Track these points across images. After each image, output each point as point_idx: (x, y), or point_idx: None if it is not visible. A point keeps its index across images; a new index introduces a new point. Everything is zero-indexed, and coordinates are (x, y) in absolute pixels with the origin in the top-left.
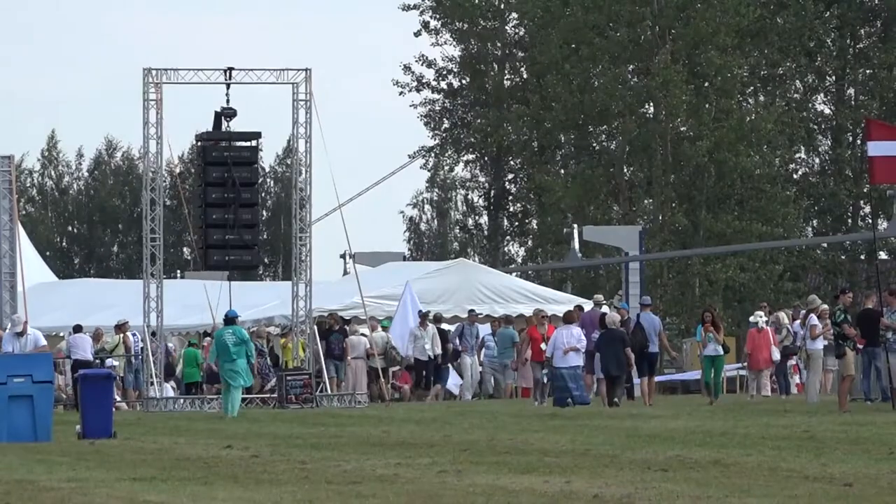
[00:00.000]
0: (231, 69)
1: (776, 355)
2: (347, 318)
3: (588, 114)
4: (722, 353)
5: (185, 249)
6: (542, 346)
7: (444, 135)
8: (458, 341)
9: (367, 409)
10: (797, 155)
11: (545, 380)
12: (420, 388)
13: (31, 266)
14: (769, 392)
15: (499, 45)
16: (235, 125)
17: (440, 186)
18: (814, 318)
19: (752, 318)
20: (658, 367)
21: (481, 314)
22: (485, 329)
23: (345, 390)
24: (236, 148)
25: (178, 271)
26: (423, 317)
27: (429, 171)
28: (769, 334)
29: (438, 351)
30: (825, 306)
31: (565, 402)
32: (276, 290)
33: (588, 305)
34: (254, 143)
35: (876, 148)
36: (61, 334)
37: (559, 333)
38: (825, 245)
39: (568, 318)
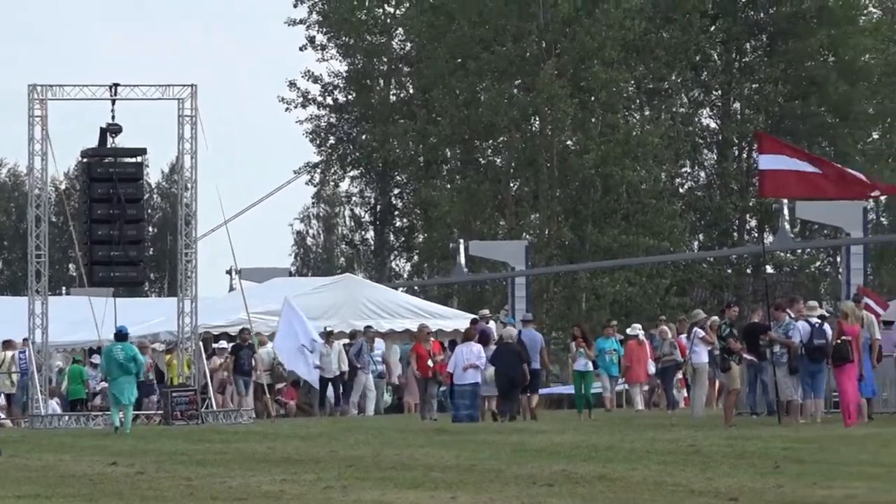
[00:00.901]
0: (116, 85)
1: (651, 369)
2: (233, 334)
3: (474, 128)
4: (591, 368)
5: (70, 266)
6: (429, 362)
7: (329, 150)
8: (355, 358)
9: (252, 426)
10: (683, 169)
11: (443, 396)
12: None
13: None
14: (642, 406)
15: (385, 60)
16: (121, 141)
17: (326, 202)
18: (700, 332)
19: (629, 331)
20: (542, 382)
21: (374, 329)
22: (380, 345)
23: (246, 406)
24: (121, 164)
25: (64, 288)
26: (329, 334)
27: (315, 186)
28: (647, 348)
29: (345, 368)
30: (715, 318)
31: (462, 419)
32: (161, 306)
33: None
34: (139, 159)
35: (766, 161)
36: None
37: (459, 350)
38: (711, 259)
39: (467, 335)
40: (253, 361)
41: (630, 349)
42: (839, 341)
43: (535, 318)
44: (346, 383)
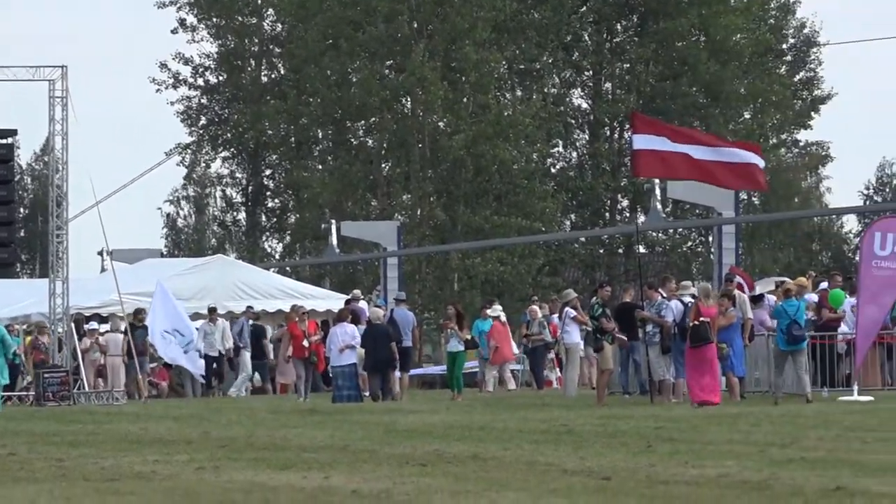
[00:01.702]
0: None
1: (515, 349)
2: (105, 315)
3: (345, 109)
4: (463, 348)
5: None
6: (304, 342)
7: (201, 131)
8: (237, 338)
9: (124, 406)
10: (555, 149)
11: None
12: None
13: None
14: (514, 385)
15: (256, 40)
16: None
17: (198, 183)
18: (571, 311)
19: (491, 312)
20: (415, 361)
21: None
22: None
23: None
24: None
25: None
26: (212, 311)
27: (186, 167)
28: (509, 328)
29: (229, 345)
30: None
31: (343, 400)
32: (33, 288)
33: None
34: (9, 140)
35: (640, 141)
36: None
37: (333, 332)
38: (584, 239)
39: (340, 316)
40: (145, 341)
41: (494, 330)
42: (697, 322)
43: (407, 299)
44: (232, 361)
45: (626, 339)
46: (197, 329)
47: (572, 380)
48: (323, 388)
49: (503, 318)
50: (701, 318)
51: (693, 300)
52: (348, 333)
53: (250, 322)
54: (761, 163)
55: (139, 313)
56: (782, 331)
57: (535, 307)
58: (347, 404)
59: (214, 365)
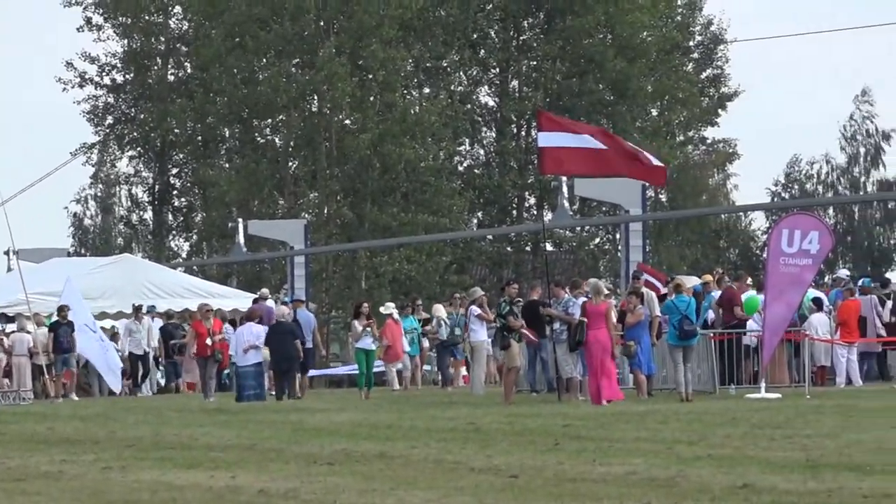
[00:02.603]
0: None
1: (407, 347)
2: (11, 315)
3: (252, 108)
4: (374, 347)
5: None
6: (208, 340)
7: (107, 130)
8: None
9: (31, 406)
10: (462, 147)
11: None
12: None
13: None
14: (398, 386)
15: (163, 39)
16: None
17: (104, 182)
18: (475, 309)
19: (383, 310)
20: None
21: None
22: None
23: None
24: None
25: None
26: (138, 310)
27: (93, 166)
28: (401, 326)
29: (155, 345)
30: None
31: (248, 399)
32: None
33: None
34: None
35: (546, 139)
36: None
37: (240, 331)
38: (491, 237)
39: (248, 316)
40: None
41: (388, 328)
42: (585, 320)
43: (314, 297)
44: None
45: (533, 335)
46: (117, 329)
47: (479, 378)
48: (228, 386)
49: (395, 315)
50: (580, 318)
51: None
52: (253, 333)
53: (132, 319)
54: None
55: (63, 310)
56: (674, 326)
57: (439, 305)
58: (254, 403)
59: (140, 363)
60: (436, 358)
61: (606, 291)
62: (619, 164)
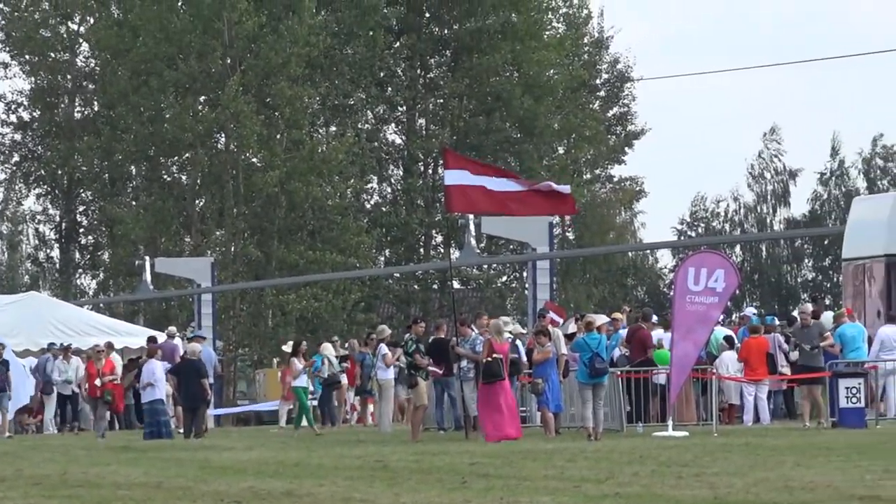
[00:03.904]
0: None
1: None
2: None
3: (159, 145)
4: (306, 384)
5: None
6: (97, 381)
7: (13, 168)
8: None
9: None
10: (369, 185)
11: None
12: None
13: None
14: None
15: (69, 77)
16: None
17: (10, 220)
18: (384, 348)
19: (284, 348)
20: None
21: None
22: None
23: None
24: None
25: None
26: (67, 349)
27: None
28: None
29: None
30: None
31: (153, 437)
32: None
33: (161, 337)
34: None
35: (452, 177)
36: None
37: (145, 369)
38: (398, 274)
39: (149, 353)
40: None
41: (293, 367)
42: (490, 359)
43: (221, 335)
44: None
45: (439, 370)
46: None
47: (387, 415)
48: (137, 424)
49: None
50: (494, 355)
51: (510, 335)
52: (150, 370)
53: (60, 359)
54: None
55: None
56: (585, 364)
57: (327, 344)
58: (162, 441)
59: (68, 403)
60: (319, 396)
61: (508, 332)
62: (526, 204)
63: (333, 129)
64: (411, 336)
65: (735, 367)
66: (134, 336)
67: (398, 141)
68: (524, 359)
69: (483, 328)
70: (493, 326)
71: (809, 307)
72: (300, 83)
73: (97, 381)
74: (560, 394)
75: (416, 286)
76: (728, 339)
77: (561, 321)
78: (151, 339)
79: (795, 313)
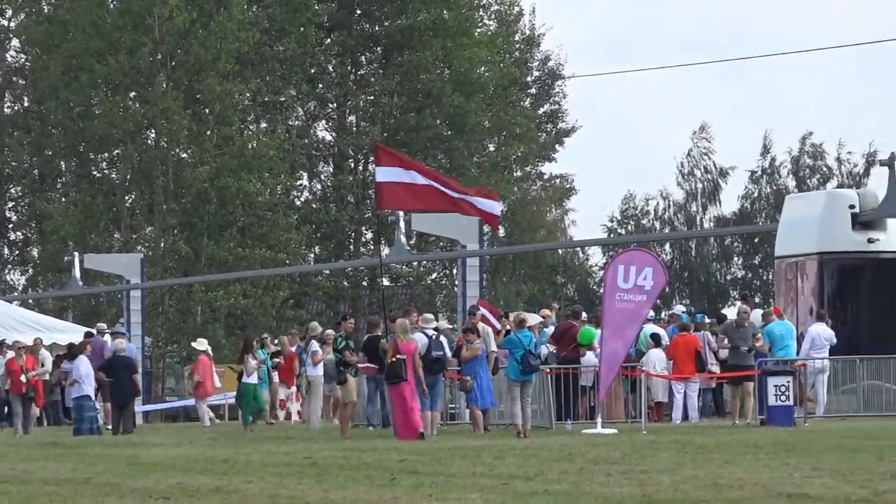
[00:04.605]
0: None
1: (218, 383)
2: None
3: (89, 141)
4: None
5: None
6: (22, 377)
7: None
8: None
9: None
10: (299, 181)
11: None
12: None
13: None
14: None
15: None
16: None
17: None
18: (315, 345)
19: (195, 345)
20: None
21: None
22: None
23: None
24: None
25: None
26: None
27: None
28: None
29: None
30: (330, 331)
31: (83, 433)
32: None
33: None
34: None
35: (383, 174)
36: None
37: (75, 365)
38: (328, 271)
39: (79, 349)
40: None
41: (200, 364)
42: (394, 360)
43: (150, 331)
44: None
45: (373, 367)
46: None
47: (316, 412)
48: (65, 421)
49: (209, 351)
50: (398, 356)
51: (436, 333)
52: (77, 367)
53: None
54: (497, 209)
55: None
56: (517, 361)
57: (286, 338)
58: (91, 437)
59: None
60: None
61: (432, 328)
62: (455, 203)
63: (264, 125)
64: (341, 333)
65: (661, 364)
66: (63, 332)
67: (328, 138)
68: (449, 354)
69: (413, 325)
70: (398, 326)
71: (747, 307)
72: (230, 79)
73: (22, 377)
74: (490, 391)
75: (345, 283)
76: (654, 336)
77: (494, 319)
78: (88, 335)
79: (726, 311)
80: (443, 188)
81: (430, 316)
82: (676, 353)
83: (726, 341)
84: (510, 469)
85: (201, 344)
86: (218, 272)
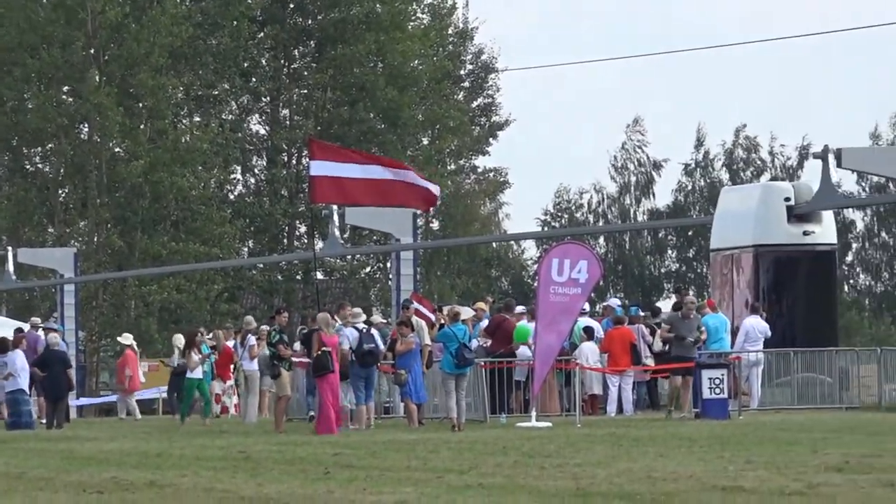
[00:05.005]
0: None
1: (143, 378)
2: None
3: (22, 135)
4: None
5: None
6: None
7: None
8: None
9: None
10: (233, 175)
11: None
12: None
13: None
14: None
15: None
16: None
17: None
18: (251, 339)
19: (122, 340)
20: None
21: None
22: None
23: None
24: None
25: None
26: None
27: None
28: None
29: None
30: (264, 326)
31: (17, 427)
32: None
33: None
34: None
35: (317, 167)
36: None
37: (7, 359)
38: (262, 265)
39: (15, 343)
40: None
41: (127, 358)
42: (320, 352)
43: (83, 325)
44: None
45: (307, 361)
46: None
47: (253, 406)
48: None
49: (135, 346)
50: (323, 348)
51: (367, 327)
52: (12, 361)
53: None
54: (436, 189)
55: None
56: (452, 354)
57: (179, 335)
58: (25, 431)
59: None
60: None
61: (337, 324)
62: (389, 196)
63: (197, 119)
64: (274, 327)
65: (594, 357)
66: None
67: (262, 131)
68: (381, 347)
69: (346, 319)
70: (320, 320)
71: (693, 298)
72: (164, 73)
73: None
74: (423, 385)
75: (279, 277)
76: (588, 329)
77: (429, 312)
78: (18, 331)
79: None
80: (382, 168)
81: (359, 310)
82: (612, 346)
83: (670, 332)
84: (444, 462)
85: (126, 338)
86: (151, 266)
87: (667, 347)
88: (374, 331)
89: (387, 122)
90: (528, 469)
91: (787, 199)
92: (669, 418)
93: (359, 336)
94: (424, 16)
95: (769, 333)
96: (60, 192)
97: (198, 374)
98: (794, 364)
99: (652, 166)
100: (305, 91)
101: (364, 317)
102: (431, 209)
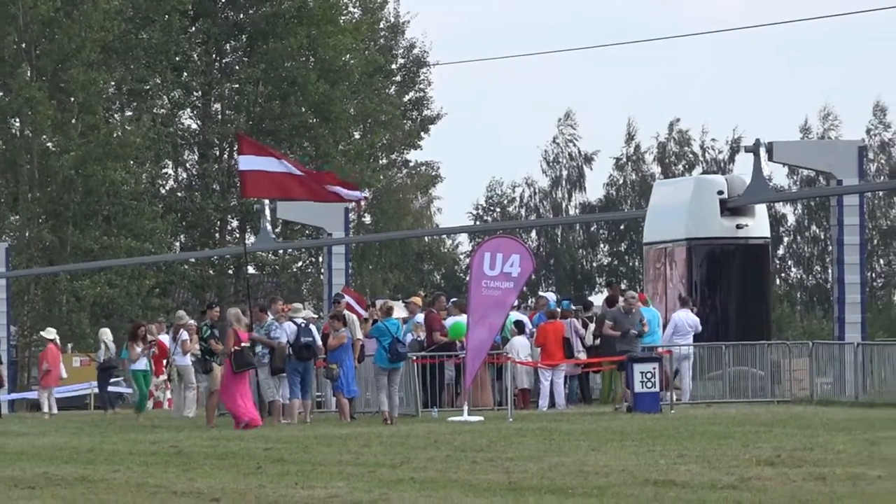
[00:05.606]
0: None
1: (64, 373)
2: None
3: None
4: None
5: None
6: None
7: None
8: None
9: None
10: (164, 170)
11: None
12: None
13: None
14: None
15: None
16: None
17: None
18: (184, 334)
19: (44, 334)
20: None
21: None
22: None
23: None
24: None
25: None
26: None
27: None
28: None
29: None
30: (192, 321)
31: None
32: None
33: None
34: None
35: (247, 162)
36: None
37: None
38: (193, 260)
39: None
40: None
41: (49, 352)
42: (238, 348)
43: (15, 320)
44: None
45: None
46: None
47: (189, 400)
48: None
49: (57, 340)
50: (242, 344)
51: (305, 321)
52: None
53: None
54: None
55: None
56: (385, 349)
57: (106, 329)
58: None
59: None
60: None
61: (301, 317)
62: (315, 192)
63: (129, 113)
64: (206, 322)
65: (525, 351)
66: None
67: (194, 126)
68: (319, 343)
69: (278, 313)
70: (232, 315)
71: (634, 293)
72: (95, 68)
73: None
74: (355, 379)
75: (211, 271)
76: (518, 323)
77: (360, 308)
78: None
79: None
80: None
81: (299, 305)
82: (546, 340)
83: (614, 329)
84: (376, 457)
85: (49, 333)
86: (83, 261)
87: (597, 342)
88: (311, 326)
89: (318, 116)
90: (461, 463)
91: (721, 193)
92: (622, 411)
93: (297, 330)
94: (356, 10)
95: (699, 327)
96: None
97: (141, 365)
98: (725, 357)
99: (583, 160)
100: (237, 85)
101: (304, 311)
102: (363, 202)
